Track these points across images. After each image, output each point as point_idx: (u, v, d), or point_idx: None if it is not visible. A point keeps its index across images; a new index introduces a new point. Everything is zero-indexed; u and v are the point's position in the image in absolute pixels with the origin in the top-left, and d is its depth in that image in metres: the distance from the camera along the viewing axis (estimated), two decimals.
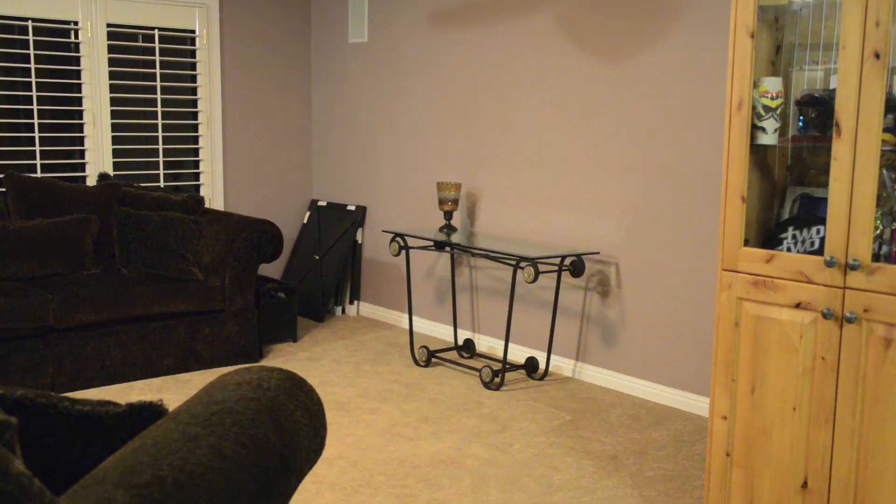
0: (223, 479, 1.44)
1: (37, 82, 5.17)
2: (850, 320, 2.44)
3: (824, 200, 2.54)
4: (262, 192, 6.16)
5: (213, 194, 5.97)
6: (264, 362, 4.95)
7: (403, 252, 4.98)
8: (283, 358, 5.01)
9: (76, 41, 5.32)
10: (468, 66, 5.23)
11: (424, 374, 4.79)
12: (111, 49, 5.43)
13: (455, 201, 5.01)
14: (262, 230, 5.06)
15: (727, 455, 2.77)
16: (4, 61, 5.10)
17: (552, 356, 4.78)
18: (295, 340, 5.38)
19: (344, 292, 6.14)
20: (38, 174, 5.19)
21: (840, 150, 2.43)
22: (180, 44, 5.77)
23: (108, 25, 5.40)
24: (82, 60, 5.35)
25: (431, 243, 4.98)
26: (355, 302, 6.16)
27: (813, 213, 2.78)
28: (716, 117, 4.03)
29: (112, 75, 5.45)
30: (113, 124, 5.48)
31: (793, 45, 2.85)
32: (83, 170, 5.45)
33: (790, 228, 2.74)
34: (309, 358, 5.06)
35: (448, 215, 5.03)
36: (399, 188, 5.79)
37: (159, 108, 5.67)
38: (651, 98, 4.29)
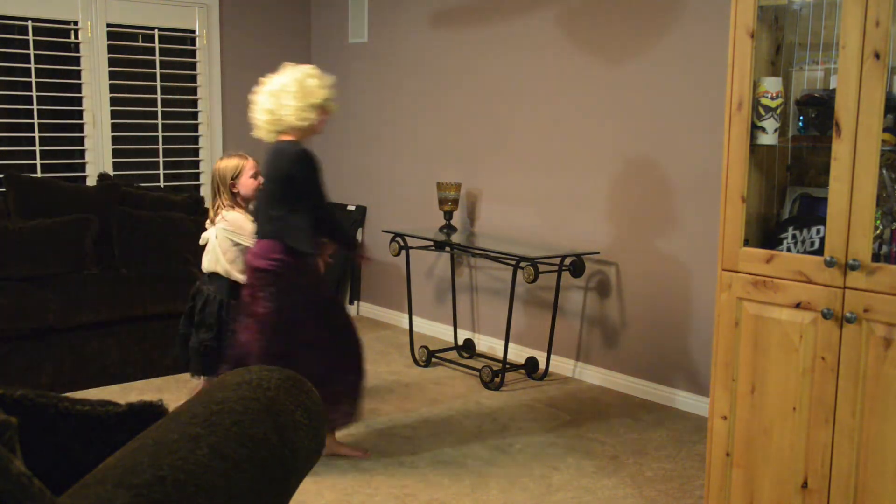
0: (223, 479, 1.44)
1: (37, 82, 5.17)
2: (850, 320, 2.44)
3: (824, 200, 2.54)
4: None
5: None
6: None
7: (403, 252, 4.98)
8: None
9: (76, 41, 5.32)
10: (468, 66, 5.23)
11: (424, 374, 4.79)
12: (111, 49, 5.43)
13: (455, 201, 5.01)
14: None
15: (727, 455, 2.77)
16: (4, 61, 5.10)
17: (552, 356, 4.77)
18: None
19: (344, 292, 6.14)
20: (38, 174, 5.19)
21: (840, 150, 2.43)
22: (180, 44, 5.77)
23: (108, 25, 5.40)
24: (82, 60, 5.35)
25: (431, 243, 4.98)
26: (355, 302, 6.16)
27: (813, 213, 2.77)
28: (716, 117, 4.03)
29: (112, 75, 5.45)
30: (113, 124, 5.48)
31: (793, 45, 2.85)
32: (83, 170, 5.45)
33: (790, 228, 2.74)
34: None
35: (448, 215, 5.03)
36: (399, 188, 5.79)
37: (159, 108, 5.67)
38: (651, 98, 4.29)
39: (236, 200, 3.75)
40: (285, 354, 3.24)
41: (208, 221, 3.85)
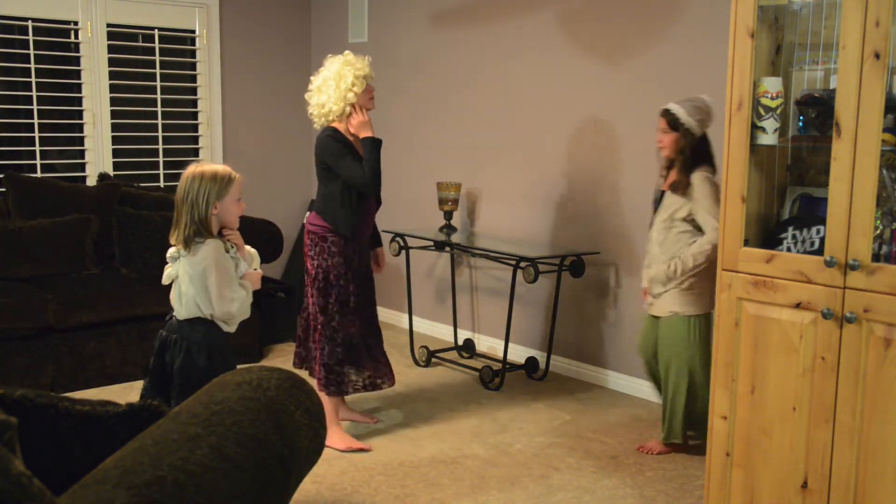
0: (223, 479, 1.44)
1: (37, 82, 5.17)
2: (850, 320, 2.44)
3: (824, 200, 2.54)
4: (262, 192, 6.15)
5: None
6: (264, 362, 4.95)
7: (403, 252, 4.98)
8: (283, 358, 5.01)
9: (76, 41, 5.32)
10: (468, 66, 5.23)
11: (424, 374, 4.79)
12: (111, 49, 5.43)
13: (455, 201, 5.01)
14: (262, 230, 5.06)
15: (727, 455, 2.77)
16: (4, 61, 5.10)
17: (552, 356, 4.77)
18: (295, 340, 5.37)
19: None
20: (38, 174, 5.19)
21: (840, 150, 2.43)
22: (180, 44, 5.77)
23: (108, 25, 5.40)
24: (82, 60, 5.34)
25: (431, 243, 4.98)
26: None
27: (813, 213, 2.77)
28: (716, 117, 4.02)
29: (112, 75, 5.44)
30: (113, 124, 5.48)
31: (793, 45, 2.85)
32: (83, 170, 5.45)
33: (790, 228, 2.74)
34: None
35: (448, 215, 5.03)
36: (399, 188, 5.79)
37: (159, 108, 5.67)
38: (651, 98, 4.28)
39: (207, 226, 2.77)
40: (325, 309, 3.72)
41: (172, 250, 2.85)
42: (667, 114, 3.54)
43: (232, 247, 2.87)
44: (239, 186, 2.83)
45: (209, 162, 2.82)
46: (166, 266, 2.88)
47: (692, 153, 3.50)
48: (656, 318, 3.65)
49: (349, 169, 3.65)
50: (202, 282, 2.77)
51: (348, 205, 3.72)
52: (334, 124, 3.75)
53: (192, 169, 2.79)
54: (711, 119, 3.55)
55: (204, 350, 2.79)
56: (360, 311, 3.81)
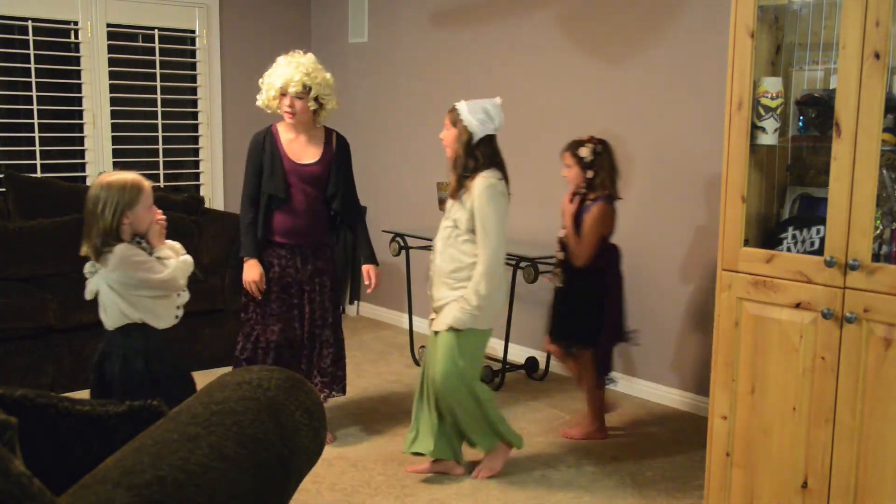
0: (223, 479, 1.44)
1: (37, 82, 5.17)
2: (849, 320, 2.44)
3: (824, 200, 2.54)
4: None
5: (213, 194, 5.97)
6: None
7: (403, 252, 4.99)
8: None
9: (76, 41, 5.32)
10: (468, 66, 5.23)
11: None
12: (111, 49, 5.43)
13: None
14: None
15: (727, 455, 2.77)
16: (4, 61, 5.10)
17: (552, 356, 4.77)
18: None
19: (344, 292, 6.14)
20: (38, 174, 5.19)
21: (840, 150, 2.43)
22: (180, 44, 5.77)
23: (108, 25, 5.40)
24: (82, 60, 5.34)
25: (431, 243, 4.97)
26: (355, 302, 6.16)
27: (813, 213, 2.77)
28: (716, 117, 4.02)
29: (112, 75, 5.44)
30: (113, 124, 5.48)
31: (793, 45, 2.85)
32: (83, 170, 5.45)
33: (790, 228, 2.74)
34: None
35: None
36: (399, 188, 5.79)
37: (159, 108, 5.67)
38: (651, 98, 4.29)
39: (118, 236, 2.74)
40: (245, 306, 3.74)
41: (89, 265, 2.78)
42: (451, 110, 3.35)
43: (147, 244, 2.82)
44: (149, 194, 2.80)
45: (117, 171, 2.84)
46: (87, 282, 2.81)
47: (481, 155, 3.31)
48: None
49: (244, 181, 3.79)
50: (124, 288, 2.73)
51: (262, 210, 3.71)
52: (279, 123, 3.75)
53: (100, 179, 2.75)
54: (494, 122, 3.35)
55: (141, 355, 2.76)
56: (279, 319, 3.70)
